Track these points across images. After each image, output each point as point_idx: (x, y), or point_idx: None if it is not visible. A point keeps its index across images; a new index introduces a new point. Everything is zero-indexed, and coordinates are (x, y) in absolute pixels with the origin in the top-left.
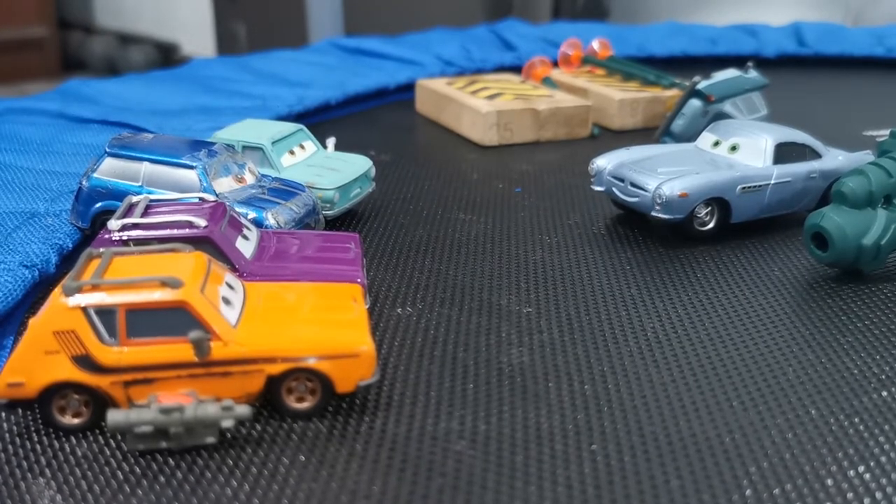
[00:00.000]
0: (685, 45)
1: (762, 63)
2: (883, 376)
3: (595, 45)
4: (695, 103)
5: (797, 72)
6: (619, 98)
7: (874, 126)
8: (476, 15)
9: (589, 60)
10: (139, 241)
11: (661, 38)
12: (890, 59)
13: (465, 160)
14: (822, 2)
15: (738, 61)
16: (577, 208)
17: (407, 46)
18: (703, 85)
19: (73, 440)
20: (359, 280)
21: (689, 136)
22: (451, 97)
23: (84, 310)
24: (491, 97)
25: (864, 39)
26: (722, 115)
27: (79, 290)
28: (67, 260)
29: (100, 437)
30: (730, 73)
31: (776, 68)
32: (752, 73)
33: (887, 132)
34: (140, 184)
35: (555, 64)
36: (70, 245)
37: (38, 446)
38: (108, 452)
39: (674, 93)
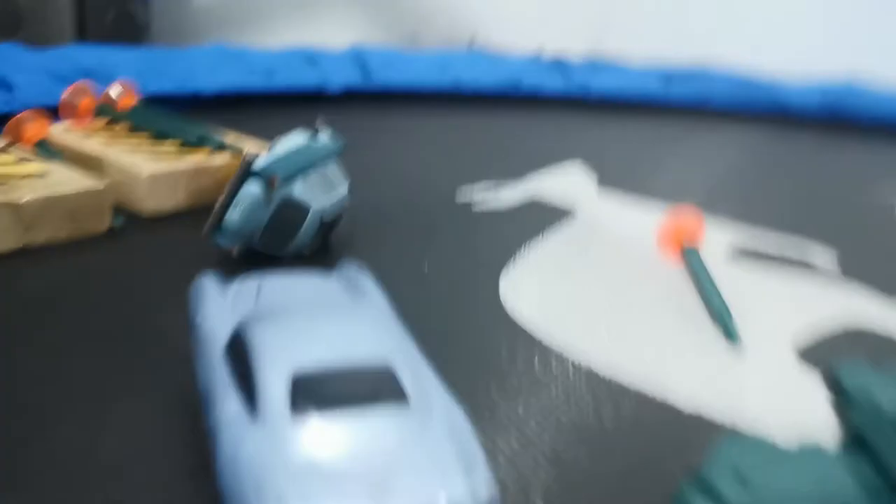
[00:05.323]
0: (237, 78)
1: (329, 100)
2: None
3: (113, 90)
4: (252, 190)
5: (370, 110)
6: (150, 173)
7: (463, 184)
8: None
9: (105, 112)
10: None
11: (209, 66)
12: (456, 94)
13: None
14: (379, 21)
15: (301, 100)
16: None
17: None
18: (259, 163)
19: None
20: None
21: (251, 231)
22: None
23: None
24: None
25: (427, 68)
26: (292, 203)
27: None
28: None
29: None
30: (295, 139)
31: (345, 106)
32: (325, 136)
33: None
34: None
35: (56, 116)
36: None
37: None
38: None
39: (225, 160)
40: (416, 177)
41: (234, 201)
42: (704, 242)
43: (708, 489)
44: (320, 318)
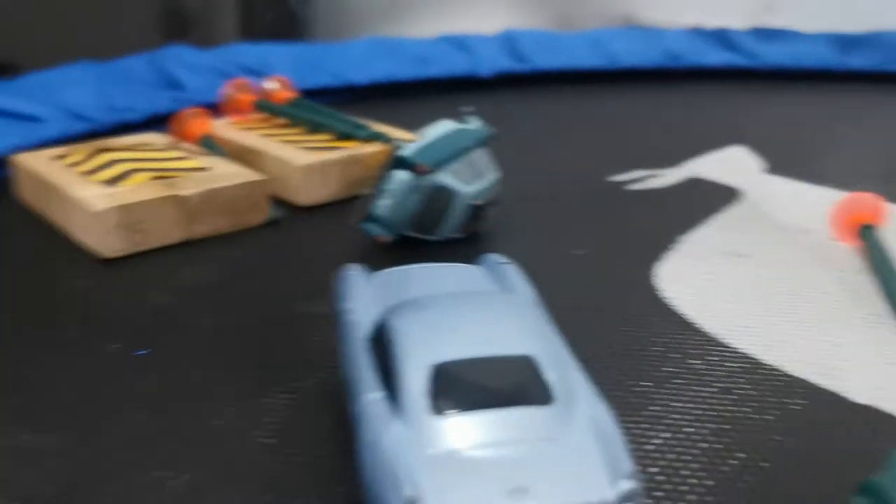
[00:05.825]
0: (390, 68)
1: (481, 87)
2: None
3: (270, 84)
4: (401, 176)
5: (524, 94)
6: (304, 163)
7: (618, 169)
8: (151, 36)
9: (264, 106)
10: None
11: (362, 59)
12: (612, 73)
13: (73, 287)
14: (530, 5)
15: (454, 86)
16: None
17: (18, 94)
18: (409, 150)
19: None
20: None
21: (401, 219)
22: (54, 183)
23: None
24: (112, 180)
25: (580, 48)
26: (440, 189)
27: None
28: None
29: None
30: (443, 126)
31: (498, 91)
32: (473, 123)
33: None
34: None
35: (219, 112)
36: None
37: None
38: None
39: (377, 148)
40: (570, 160)
41: (384, 190)
42: (886, 225)
43: (882, 502)
44: (464, 310)
